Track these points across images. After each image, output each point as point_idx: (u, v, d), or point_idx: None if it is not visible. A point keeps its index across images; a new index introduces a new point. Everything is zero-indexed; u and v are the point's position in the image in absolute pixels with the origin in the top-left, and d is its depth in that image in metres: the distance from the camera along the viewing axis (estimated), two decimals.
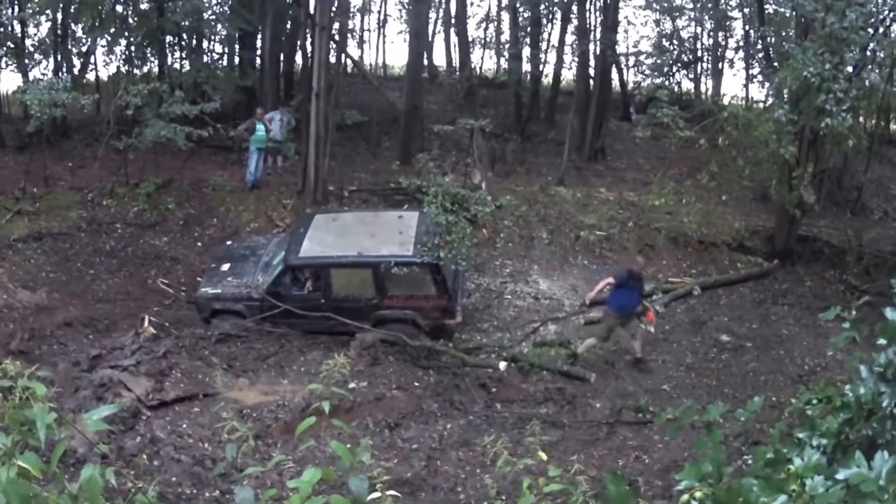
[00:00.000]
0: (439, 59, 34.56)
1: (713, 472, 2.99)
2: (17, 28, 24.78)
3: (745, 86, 30.37)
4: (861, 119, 18.92)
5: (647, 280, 18.90)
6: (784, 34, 20.05)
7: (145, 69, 26.18)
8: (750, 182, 20.65)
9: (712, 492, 2.94)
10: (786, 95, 18.63)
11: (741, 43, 31.50)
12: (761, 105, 23.90)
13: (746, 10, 28.77)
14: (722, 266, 20.53)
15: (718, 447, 3.04)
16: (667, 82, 24.87)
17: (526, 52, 29.50)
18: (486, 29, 34.28)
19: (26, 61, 24.67)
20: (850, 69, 17.25)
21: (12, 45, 24.76)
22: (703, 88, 34.16)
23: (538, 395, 15.48)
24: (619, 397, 15.40)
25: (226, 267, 17.59)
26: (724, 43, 33.09)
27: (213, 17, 26.80)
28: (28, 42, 25.13)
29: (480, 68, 33.20)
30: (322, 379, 4.53)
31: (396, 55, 34.92)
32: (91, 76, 27.06)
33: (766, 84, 25.87)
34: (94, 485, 3.25)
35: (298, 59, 28.14)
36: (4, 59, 24.99)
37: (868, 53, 17.64)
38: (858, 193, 23.48)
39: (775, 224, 21.16)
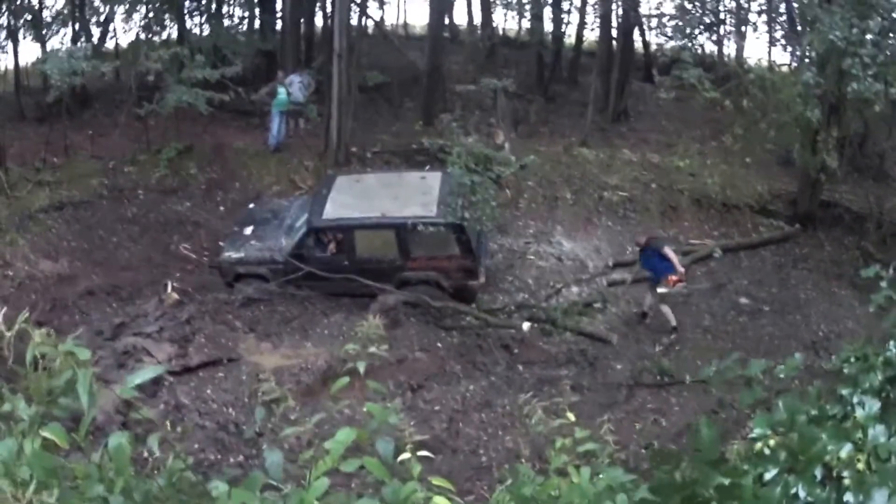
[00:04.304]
0: (460, 18, 34.31)
1: (786, 420, 2.99)
2: None
3: (769, 49, 30.02)
4: (885, 86, 18.68)
5: (670, 241, 18.81)
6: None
7: (165, 35, 26.03)
8: (774, 146, 20.48)
9: (784, 441, 2.93)
10: (811, 59, 18.42)
11: (764, 7, 31.05)
12: (786, 68, 23.60)
13: None
14: (744, 229, 20.42)
15: (795, 395, 3.04)
16: (690, 44, 24.52)
17: (548, 12, 29.21)
18: None
19: (44, 32, 24.54)
20: (877, 35, 17.04)
21: (30, 17, 24.62)
22: (725, 51, 33.76)
23: (560, 356, 15.51)
24: (640, 359, 15.41)
25: (248, 230, 17.62)
26: (747, 6, 32.64)
27: None
28: (46, 13, 24.98)
29: (502, 28, 32.91)
30: (355, 339, 4.53)
31: (417, 14, 34.52)
32: (110, 44, 26.97)
33: (790, 48, 25.49)
34: (123, 453, 3.22)
35: (319, 21, 28.01)
36: (23, 30, 24.86)
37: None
38: (880, 160, 23.23)
39: (798, 188, 20.99)
